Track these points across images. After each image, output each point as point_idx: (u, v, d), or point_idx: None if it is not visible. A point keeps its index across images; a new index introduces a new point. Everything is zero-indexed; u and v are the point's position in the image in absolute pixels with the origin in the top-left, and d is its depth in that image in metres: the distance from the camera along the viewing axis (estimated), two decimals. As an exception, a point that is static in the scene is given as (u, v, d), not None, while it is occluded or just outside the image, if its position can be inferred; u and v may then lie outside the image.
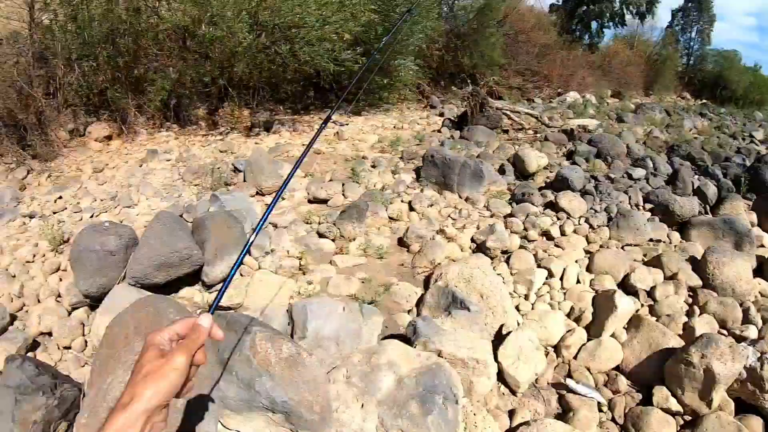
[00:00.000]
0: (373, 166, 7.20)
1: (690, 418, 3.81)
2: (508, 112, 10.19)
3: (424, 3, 10.37)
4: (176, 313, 3.01)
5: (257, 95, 9.02)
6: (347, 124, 9.21)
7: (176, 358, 0.94)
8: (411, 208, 5.95)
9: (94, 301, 3.99)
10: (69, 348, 3.72)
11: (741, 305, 4.79)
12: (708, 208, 6.94)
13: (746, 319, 4.72)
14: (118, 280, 4.01)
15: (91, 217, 5.31)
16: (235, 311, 3.96)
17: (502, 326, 4.03)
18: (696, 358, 3.76)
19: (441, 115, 11.18)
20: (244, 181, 6.24)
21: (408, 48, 10.38)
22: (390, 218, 5.67)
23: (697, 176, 7.71)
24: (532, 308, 4.49)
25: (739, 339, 4.52)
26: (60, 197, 5.72)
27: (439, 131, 9.65)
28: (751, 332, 4.55)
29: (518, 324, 4.16)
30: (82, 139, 7.17)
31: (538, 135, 9.55)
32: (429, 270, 4.76)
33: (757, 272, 5.68)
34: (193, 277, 4.23)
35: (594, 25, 24.07)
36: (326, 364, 3.28)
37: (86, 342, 3.76)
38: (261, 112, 9.02)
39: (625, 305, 4.35)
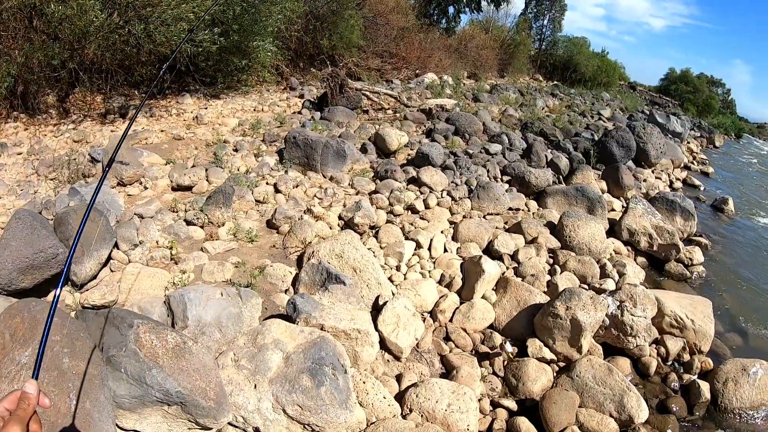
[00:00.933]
0: (236, 150, 7.18)
1: (564, 364, 4.36)
2: (367, 93, 10.60)
3: None
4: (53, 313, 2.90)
5: (111, 79, 8.46)
6: (205, 108, 9.03)
7: (9, 430, 1.04)
8: (277, 190, 6.03)
9: None
10: None
11: (598, 262, 5.54)
12: (561, 178, 7.83)
13: (604, 274, 5.46)
14: None
15: None
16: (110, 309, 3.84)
17: (378, 297, 4.29)
18: (562, 310, 4.31)
19: (301, 96, 11.33)
20: (103, 171, 5.92)
21: (267, 29, 10.37)
22: (257, 201, 5.72)
23: (550, 150, 8.65)
24: (405, 278, 4.82)
25: (599, 291, 5.21)
26: None
27: (299, 113, 9.78)
28: (609, 285, 5.27)
29: (393, 294, 4.44)
30: None
31: (398, 114, 10.05)
32: (301, 249, 4.90)
33: (610, 233, 6.58)
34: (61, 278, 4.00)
35: (451, 9, 25.61)
36: (213, 350, 3.31)
37: None
38: (115, 97, 8.49)
39: (492, 268, 4.83)
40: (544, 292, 4.94)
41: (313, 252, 4.61)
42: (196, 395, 2.75)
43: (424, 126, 9.54)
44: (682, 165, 11.72)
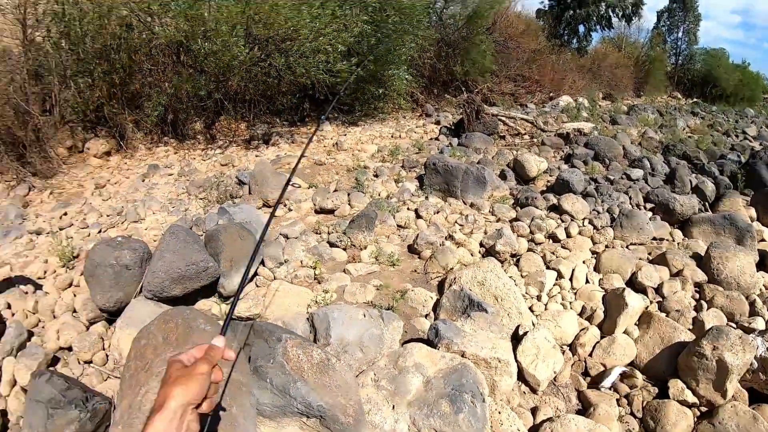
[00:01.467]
0: (376, 176, 7.34)
1: (706, 409, 3.98)
2: (503, 118, 10.41)
3: (414, 13, 10.60)
4: (205, 322, 3.10)
5: (254, 108, 9.11)
6: (344, 135, 9.37)
7: (199, 366, 1.12)
8: (418, 216, 6.09)
9: (111, 316, 4.07)
10: (90, 362, 3.78)
11: (747, 298, 5.00)
12: (707, 205, 7.17)
13: (753, 312, 4.92)
14: (134, 294, 4.10)
15: (99, 232, 5.37)
16: (255, 321, 4.07)
17: (518, 327, 4.18)
18: (708, 350, 3.94)
19: (437, 123, 11.36)
20: (250, 193, 6.34)
21: (401, 58, 10.57)
22: (398, 226, 5.81)
23: (694, 174, 7.96)
24: (545, 309, 4.66)
25: (748, 331, 4.70)
26: (65, 213, 5.76)
27: (437, 139, 9.82)
28: (759, 324, 4.74)
29: (533, 324, 4.30)
30: (81, 156, 7.21)
31: (535, 140, 9.76)
32: (442, 275, 4.90)
33: (760, 266, 5.90)
34: (209, 289, 4.33)
35: (581, 28, 24.58)
36: (354, 369, 3.40)
37: (107, 356, 3.83)
38: (258, 125, 9.09)
39: (635, 302, 4.53)
40: (690, 330, 4.55)
41: (455, 278, 4.58)
42: (336, 411, 2.81)
43: (562, 151, 9.18)
44: None
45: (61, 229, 5.41)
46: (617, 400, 3.97)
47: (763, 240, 6.61)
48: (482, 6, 13.94)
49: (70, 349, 3.83)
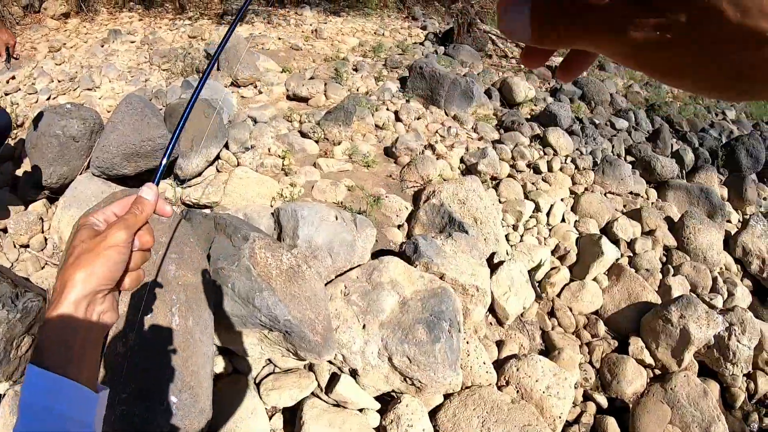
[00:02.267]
0: (356, 69, 6.76)
1: (660, 372, 3.95)
2: (494, 37, 9.83)
3: None
4: None
5: None
6: (325, 23, 8.60)
7: (113, 234, 0.75)
8: (397, 118, 5.64)
9: (53, 193, 3.53)
10: (27, 246, 3.28)
11: (710, 273, 4.95)
12: (683, 173, 7.08)
13: (714, 288, 4.90)
14: (80, 170, 3.56)
15: (48, 99, 4.84)
16: (212, 210, 3.61)
17: (493, 254, 3.92)
18: (675, 317, 3.85)
19: (423, 28, 10.65)
20: (218, 69, 5.67)
21: None
22: (376, 126, 5.35)
23: (674, 140, 7.83)
24: (521, 240, 4.42)
25: (708, 306, 4.70)
26: (13, 77, 5.17)
27: (422, 44, 9.17)
28: (718, 301, 4.73)
29: (507, 254, 4.06)
30: (36, 16, 6.39)
31: (522, 66, 9.31)
32: (420, 185, 4.54)
33: (724, 245, 5.91)
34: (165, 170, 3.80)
35: None
36: (323, 278, 3.03)
37: (46, 240, 3.33)
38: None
39: (610, 252, 4.37)
40: (656, 291, 4.45)
41: (434, 191, 4.23)
42: (305, 327, 2.47)
43: (548, 83, 8.80)
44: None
45: (6, 95, 4.74)
46: (579, 346, 3.86)
47: (728, 221, 6.63)
48: None
49: (5, 230, 3.29)
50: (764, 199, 7.88)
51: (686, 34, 0.29)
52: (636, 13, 0.30)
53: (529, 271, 4.03)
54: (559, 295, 4.14)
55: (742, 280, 5.93)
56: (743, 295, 5.16)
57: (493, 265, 3.78)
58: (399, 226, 4.09)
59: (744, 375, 4.28)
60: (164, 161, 0.88)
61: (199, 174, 4.01)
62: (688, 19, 0.28)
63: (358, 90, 6.15)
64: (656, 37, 0.30)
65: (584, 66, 0.43)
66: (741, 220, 7.05)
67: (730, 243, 6.05)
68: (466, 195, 4.15)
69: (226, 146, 4.30)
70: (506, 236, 4.33)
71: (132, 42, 6.42)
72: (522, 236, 4.48)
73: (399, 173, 4.72)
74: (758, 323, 4.54)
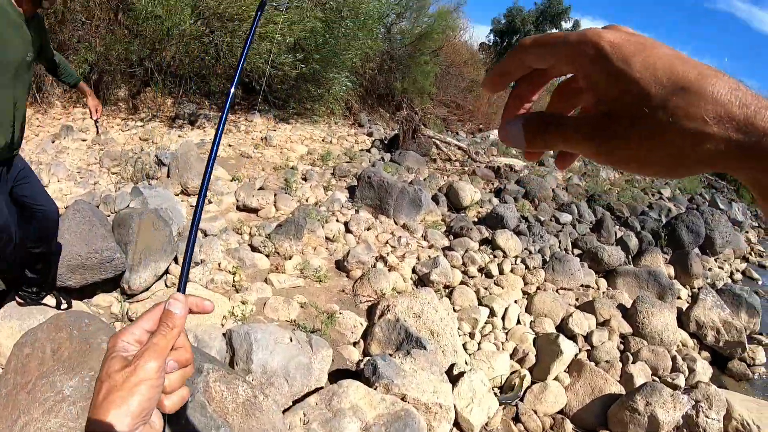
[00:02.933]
0: (305, 179, 7.05)
1: (633, 466, 4.01)
2: (437, 142, 10.44)
3: (368, 21, 10.49)
4: (108, 334, 2.58)
5: (184, 85, 8.56)
6: (274, 130, 9.02)
7: (143, 367, 0.69)
8: (348, 230, 5.86)
9: None
10: None
11: (668, 354, 5.15)
12: (630, 258, 7.45)
13: (674, 368, 5.07)
14: None
15: None
16: None
17: (452, 366, 4.02)
18: (641, 405, 3.97)
19: (369, 134, 11.23)
20: (168, 176, 5.85)
21: (345, 63, 10.39)
22: (327, 238, 5.55)
23: (617, 227, 8.30)
24: (479, 348, 4.54)
25: (671, 387, 4.85)
26: None
27: (368, 151, 9.67)
28: (680, 380, 4.89)
29: (466, 363, 4.17)
30: None
31: (466, 168, 9.85)
32: (373, 300, 4.69)
33: (677, 323, 6.16)
34: (112, 283, 3.85)
35: None
36: (280, 405, 3.07)
37: None
38: (186, 104, 8.54)
39: (569, 349, 4.52)
40: (618, 381, 4.59)
41: (388, 306, 4.36)
42: None
43: (492, 184, 9.31)
44: (743, 256, 11.16)
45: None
46: None
47: (679, 298, 6.95)
48: (434, 27, 14.11)
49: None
50: (709, 270, 8.29)
51: (644, 138, 0.41)
52: (599, 125, 0.43)
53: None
54: (522, 399, 4.23)
55: (700, 353, 6.14)
56: (704, 369, 5.34)
57: (454, 377, 3.87)
58: (355, 344, 4.17)
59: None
60: (186, 269, 0.79)
61: (147, 289, 3.97)
62: (643, 133, 0.41)
63: (307, 200, 6.38)
64: (614, 143, 0.43)
65: (573, 158, 0.54)
66: (690, 294, 7.39)
67: (683, 319, 6.31)
68: (421, 308, 4.30)
69: (175, 260, 4.28)
70: (464, 345, 4.45)
71: (83, 140, 6.46)
72: (479, 344, 4.61)
73: (352, 288, 4.86)
74: (723, 393, 4.70)
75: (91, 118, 3.53)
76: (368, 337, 4.14)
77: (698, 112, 0.38)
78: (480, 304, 5.08)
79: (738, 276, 9.65)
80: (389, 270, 5.19)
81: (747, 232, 13.30)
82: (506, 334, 4.87)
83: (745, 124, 0.37)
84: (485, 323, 4.88)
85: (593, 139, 0.44)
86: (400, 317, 4.15)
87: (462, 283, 5.38)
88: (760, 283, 10.32)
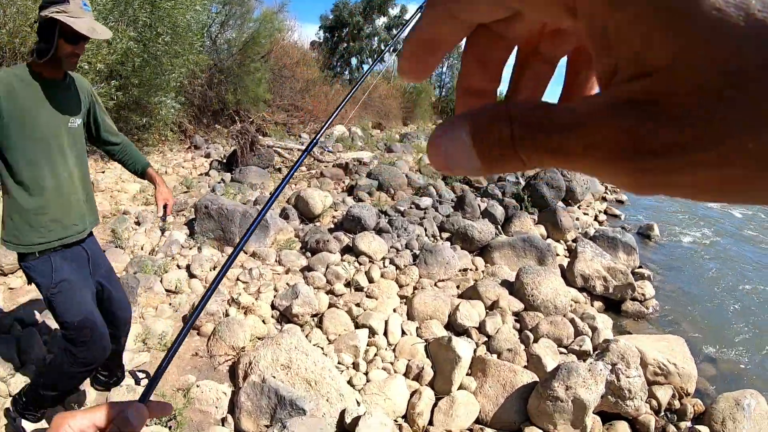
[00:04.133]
0: (138, 223, 6.01)
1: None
2: (279, 150, 9.74)
3: (188, 35, 9.51)
4: None
5: None
6: (103, 172, 7.79)
7: None
8: (191, 275, 4.97)
9: None
10: None
11: (567, 320, 4.85)
12: (500, 228, 7.24)
13: (577, 332, 4.79)
14: None
15: None
16: None
17: (343, 412, 3.36)
18: (561, 391, 3.57)
19: (207, 156, 10.24)
20: None
21: (169, 83, 9.34)
22: (168, 291, 4.63)
23: (479, 199, 8.09)
24: (368, 380, 3.89)
25: (580, 355, 4.55)
26: None
27: (207, 174, 8.74)
28: (587, 344, 4.62)
29: (359, 404, 3.52)
30: None
31: (314, 171, 9.24)
32: (232, 357, 3.88)
33: (564, 282, 5.97)
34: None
35: (354, 61, 25.99)
36: None
37: None
38: None
39: (465, 350, 4.01)
40: (525, 367, 4.19)
41: (250, 363, 3.60)
42: None
43: (344, 183, 8.77)
44: (601, 197, 11.63)
45: None
46: None
47: (558, 255, 6.83)
48: (260, 33, 13.50)
49: None
50: (577, 219, 8.37)
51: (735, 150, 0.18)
52: (639, 129, 0.20)
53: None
54: (431, 422, 3.67)
55: (593, 305, 6.03)
56: (604, 323, 5.16)
57: (348, 427, 3.23)
58: (223, 420, 3.37)
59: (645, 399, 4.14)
60: (160, 374, 0.79)
61: None
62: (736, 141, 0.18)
63: (142, 249, 5.41)
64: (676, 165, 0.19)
65: None
66: (567, 249, 7.33)
67: (568, 276, 6.16)
68: (288, 357, 3.58)
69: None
70: (350, 381, 3.79)
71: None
72: (367, 374, 3.95)
73: (206, 347, 4.04)
74: (632, 343, 4.51)
75: (159, 215, 2.95)
76: (235, 408, 3.35)
77: None
78: (357, 326, 4.44)
79: (602, 217, 9.97)
80: (245, 314, 4.40)
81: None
82: (394, 351, 4.27)
83: None
84: (367, 346, 4.25)
85: (629, 160, 0.20)
86: (266, 376, 3.40)
87: (331, 305, 4.71)
88: (623, 218, 10.79)
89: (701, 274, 8.52)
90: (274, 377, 3.40)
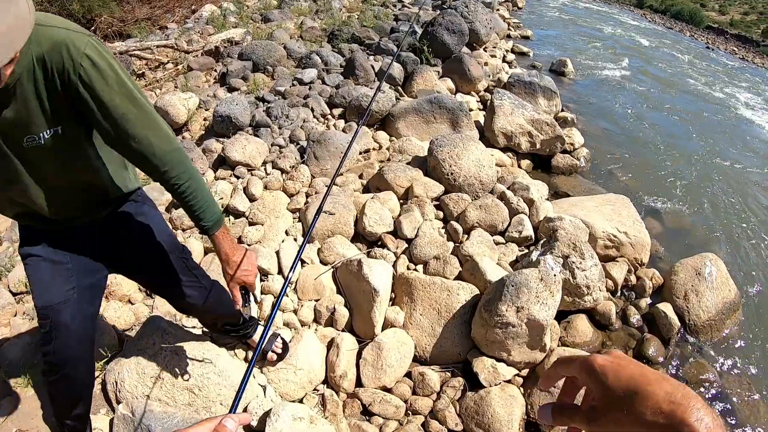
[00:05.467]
0: None
1: (528, 369, 2.89)
2: (137, 52, 7.97)
3: None
4: None
5: None
6: None
7: None
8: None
9: None
10: None
11: (497, 200, 3.95)
12: (400, 90, 6.11)
13: (512, 211, 3.92)
14: None
15: None
16: None
17: (244, 411, 2.41)
18: (512, 315, 2.73)
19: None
20: None
21: None
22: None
23: (372, 57, 6.82)
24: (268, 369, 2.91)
25: (521, 242, 3.73)
26: None
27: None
28: (526, 225, 3.78)
29: (264, 392, 2.57)
30: None
31: (180, 67, 7.62)
32: (98, 372, 2.80)
33: (484, 144, 5.01)
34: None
35: None
36: None
37: None
38: None
39: (381, 277, 3.07)
40: (460, 277, 3.32)
41: (116, 383, 2.53)
42: None
43: (215, 71, 7.26)
44: (506, 35, 10.51)
45: None
46: (423, 423, 2.62)
47: (471, 110, 5.83)
48: None
49: None
50: (485, 65, 7.31)
51: (614, 422, 0.59)
52: (591, 414, 0.62)
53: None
54: (360, 383, 2.81)
55: (520, 166, 5.20)
56: (539, 190, 4.33)
57: (256, 429, 2.31)
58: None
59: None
60: (240, 396, 1.03)
61: None
62: (613, 418, 0.59)
63: None
64: (599, 423, 0.61)
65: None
66: (480, 101, 6.36)
67: (488, 136, 5.24)
68: (154, 363, 2.53)
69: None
70: (245, 358, 2.80)
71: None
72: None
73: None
74: (578, 217, 3.74)
75: (237, 306, 1.87)
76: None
77: (641, 408, 0.56)
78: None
79: (510, 57, 8.91)
80: (106, 299, 3.27)
81: (498, 10, 12.76)
82: (296, 292, 3.29)
83: (671, 415, 0.53)
84: (261, 296, 3.24)
85: (589, 423, 0.63)
86: (134, 407, 2.38)
87: (207, 251, 3.58)
88: (531, 55, 9.78)
89: (625, 110, 7.85)
90: (148, 398, 2.38)
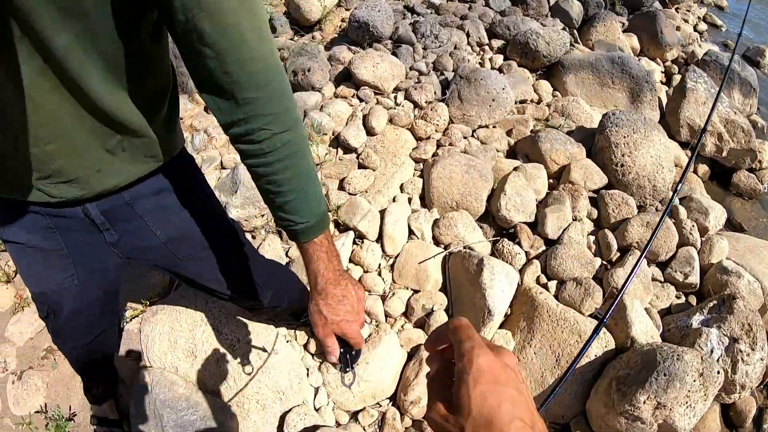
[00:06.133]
0: None
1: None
2: None
3: None
4: None
5: None
6: None
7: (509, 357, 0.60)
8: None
9: None
10: None
11: (666, 210, 3.03)
12: (575, 35, 5.07)
13: (681, 238, 3.02)
14: None
15: None
16: None
17: (284, 417, 1.89)
18: (647, 411, 1.97)
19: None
20: None
21: None
22: None
23: (549, -14, 5.71)
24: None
25: (681, 287, 2.86)
26: None
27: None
28: (695, 268, 2.85)
29: (315, 400, 2.02)
30: None
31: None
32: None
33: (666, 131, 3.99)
34: None
35: None
36: None
37: None
38: None
39: (502, 294, 2.36)
40: (595, 317, 2.54)
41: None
42: None
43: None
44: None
45: None
46: None
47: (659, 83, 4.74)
48: None
49: None
50: (677, 29, 5.97)
51: None
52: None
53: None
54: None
55: (696, 170, 4.15)
56: (717, 218, 3.32)
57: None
58: None
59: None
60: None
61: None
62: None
63: None
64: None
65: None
66: (665, 73, 5.19)
67: (668, 122, 4.21)
68: (192, 333, 2.03)
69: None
70: (301, 358, 2.24)
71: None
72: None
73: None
74: (759, 285, 2.78)
75: (330, 360, 1.16)
76: None
77: None
78: (337, 226, 2.77)
79: (702, 26, 7.30)
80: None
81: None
82: (391, 272, 2.64)
83: None
84: (348, 266, 2.62)
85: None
86: (155, 392, 1.90)
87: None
88: (724, 30, 7.99)
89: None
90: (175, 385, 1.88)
